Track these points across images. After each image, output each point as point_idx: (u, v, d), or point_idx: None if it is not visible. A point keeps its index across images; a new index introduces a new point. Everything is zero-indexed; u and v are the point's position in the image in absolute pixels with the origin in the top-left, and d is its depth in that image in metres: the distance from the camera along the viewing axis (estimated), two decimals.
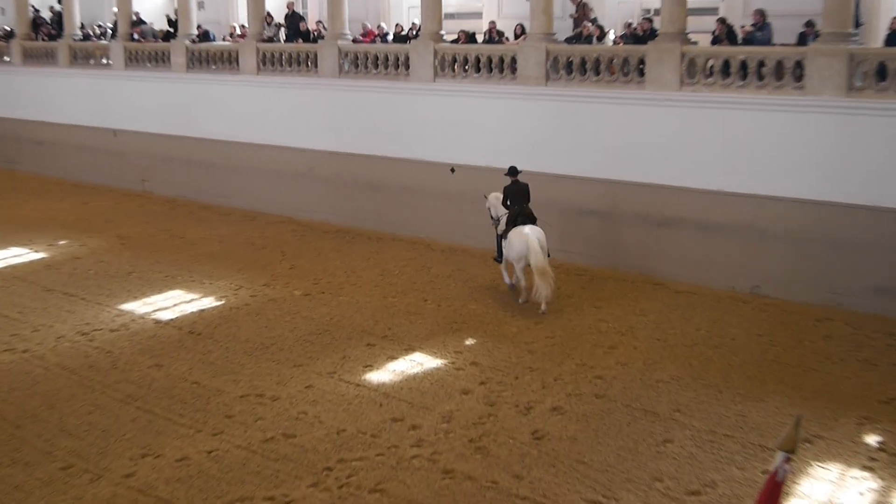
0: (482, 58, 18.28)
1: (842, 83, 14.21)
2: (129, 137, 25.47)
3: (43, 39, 28.15)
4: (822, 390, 11.49)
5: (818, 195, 14.55)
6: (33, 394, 11.61)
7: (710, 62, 15.58)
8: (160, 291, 15.88)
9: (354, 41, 21.14)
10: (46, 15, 29.46)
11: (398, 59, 19.61)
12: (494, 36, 19.32)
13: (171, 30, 25.57)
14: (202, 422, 10.71)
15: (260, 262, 17.70)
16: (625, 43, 17.49)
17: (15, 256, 18.43)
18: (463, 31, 19.69)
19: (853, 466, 9.55)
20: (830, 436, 10.21)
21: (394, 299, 15.28)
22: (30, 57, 28.11)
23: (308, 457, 9.86)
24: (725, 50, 15.60)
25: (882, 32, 16.73)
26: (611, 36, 18.84)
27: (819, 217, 14.61)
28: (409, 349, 12.93)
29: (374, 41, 21.50)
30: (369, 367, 12.29)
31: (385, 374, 12.08)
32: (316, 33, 22.07)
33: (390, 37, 21.70)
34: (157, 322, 14.26)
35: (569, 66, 17.14)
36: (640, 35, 17.10)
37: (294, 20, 22.40)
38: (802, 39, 15.91)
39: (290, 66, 21.63)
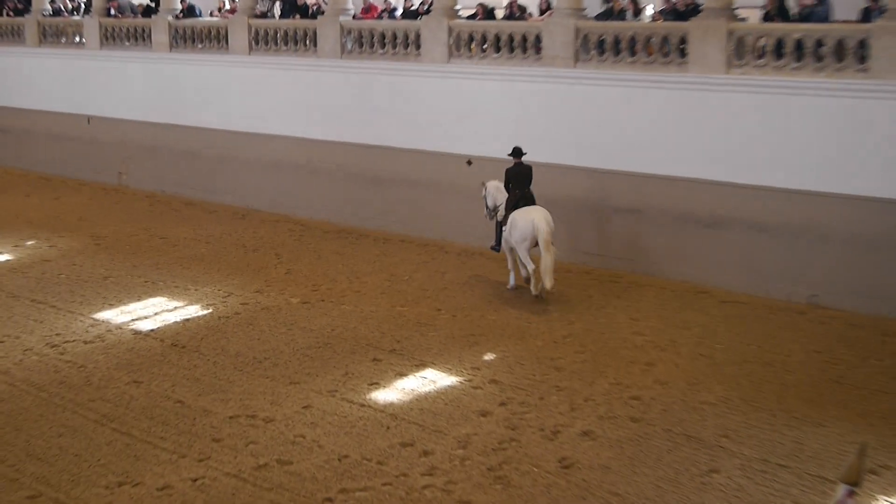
0: (502, 36, 18.29)
1: None
2: (105, 125, 25.60)
3: (8, 14, 28.32)
4: (890, 415, 11.41)
5: (886, 192, 14.45)
6: None
7: (762, 41, 15.53)
8: (139, 298, 15.91)
9: (356, 17, 21.17)
10: None
11: (408, 38, 19.64)
12: (516, 11, 19.33)
13: (152, 4, 25.69)
14: (187, 446, 10.72)
15: (252, 266, 17.73)
16: (664, 19, 17.46)
17: None
18: (481, 6, 19.70)
19: None
20: None
21: (403, 308, 15.28)
22: None
23: (306, 486, 9.85)
24: (779, 27, 15.55)
25: None
26: (648, 11, 18.85)
27: (887, 217, 14.51)
28: (421, 365, 12.92)
29: (380, 17, 21.52)
30: (375, 384, 12.29)
31: (393, 392, 12.07)
32: (315, 8, 22.12)
33: (399, 12, 21.72)
34: (137, 333, 14.29)
35: (600, 46, 17.12)
36: (681, 11, 17.06)
37: None
38: (866, 15, 15.82)
39: (286, 45, 21.69)
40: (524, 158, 15.87)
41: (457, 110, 18.92)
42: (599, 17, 18.08)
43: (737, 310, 15.11)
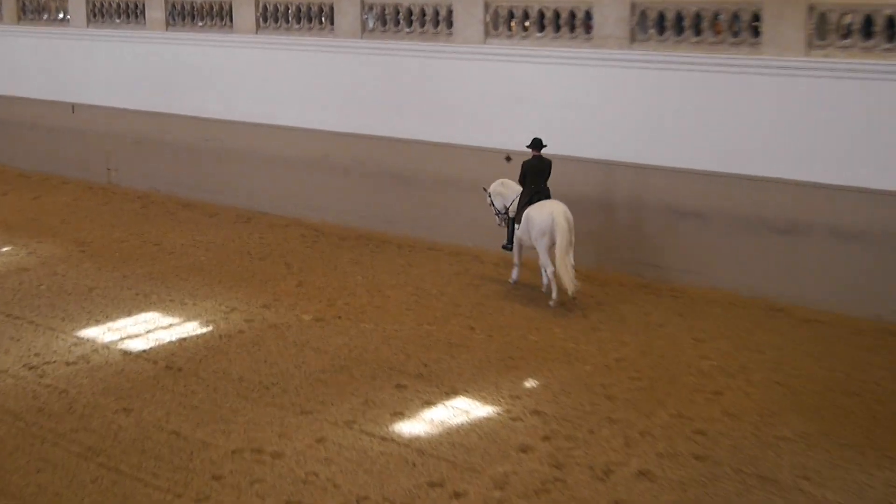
0: (547, 12, 18.26)
1: None
2: (92, 114, 25.79)
3: None
4: None
5: None
6: None
7: (847, 18, 15.40)
8: (130, 314, 16.00)
9: None
10: None
11: (438, 14, 19.66)
12: None
13: None
14: (183, 484, 10.74)
15: (258, 277, 17.79)
16: None
17: None
18: None
19: None
20: None
21: (431, 327, 15.29)
22: None
23: None
24: (867, 2, 15.40)
25: None
26: None
27: None
28: (451, 392, 12.91)
29: None
30: (399, 415, 12.29)
31: (419, 424, 12.07)
32: None
33: None
34: (126, 353, 14.35)
35: (660, 24, 17.05)
36: None
37: None
38: None
39: (299, 22, 21.77)
40: (544, 151, 16.54)
41: (494, 98, 18.90)
42: None
43: (817, 330, 15.02)
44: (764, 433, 11.74)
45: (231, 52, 22.84)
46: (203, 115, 23.40)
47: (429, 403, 12.60)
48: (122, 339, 14.93)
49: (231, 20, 22.85)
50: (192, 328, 15.35)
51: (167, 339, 14.86)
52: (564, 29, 18.08)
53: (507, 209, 17.02)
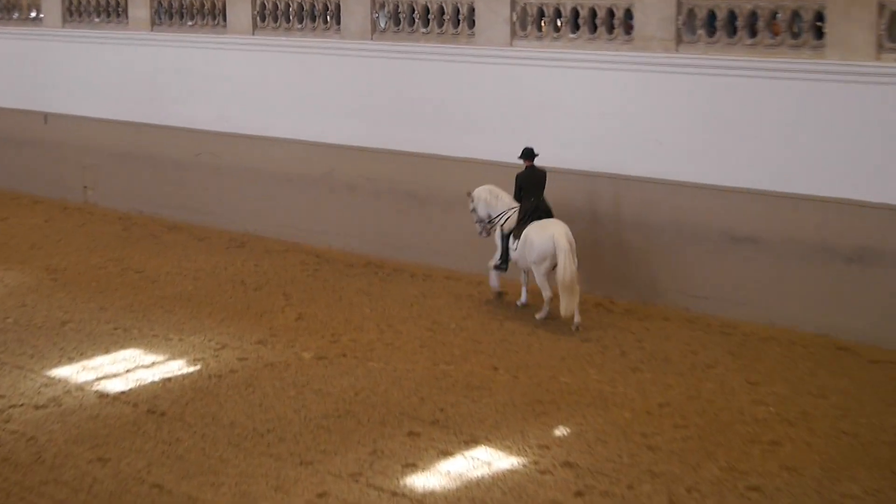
0: (581, 10, 18.31)
1: None
2: (67, 125, 25.95)
3: None
4: None
5: None
6: None
7: None
8: (107, 351, 16.03)
9: None
10: None
11: (458, 13, 19.75)
12: None
13: None
14: None
15: (253, 310, 17.84)
16: None
17: None
18: None
19: None
20: None
21: (449, 367, 15.28)
22: None
23: None
24: None
25: None
26: None
27: None
28: (471, 441, 12.87)
29: None
30: (411, 466, 12.26)
31: (435, 477, 12.04)
32: None
33: None
34: (103, 396, 14.37)
35: (710, 24, 17.06)
36: None
37: None
38: None
39: (301, 22, 21.88)
40: (536, 161, 17.27)
41: (522, 108, 18.93)
42: None
43: (889, 372, 14.95)
44: (828, 490, 11.67)
45: (224, 56, 22.96)
46: (192, 127, 23.50)
47: (445, 454, 12.55)
48: (98, 379, 14.94)
49: (224, 19, 22.99)
50: (178, 367, 15.36)
51: (149, 380, 14.87)
52: (601, 29, 18.11)
53: (493, 220, 17.73)
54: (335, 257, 20.85)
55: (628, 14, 17.82)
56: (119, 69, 24.77)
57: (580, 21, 18.33)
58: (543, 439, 12.91)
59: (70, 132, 25.87)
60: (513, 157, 18.36)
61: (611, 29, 18.03)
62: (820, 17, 16.13)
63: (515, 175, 17.33)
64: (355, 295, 18.55)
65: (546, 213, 17.05)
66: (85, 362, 15.56)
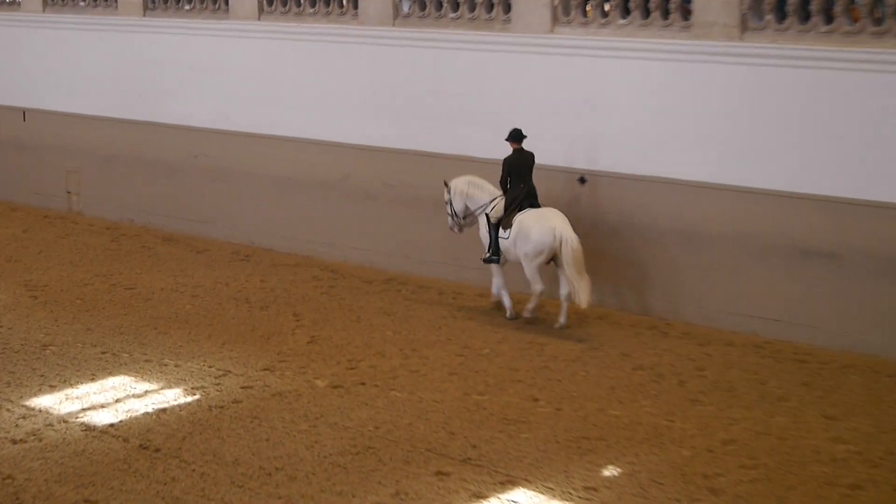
0: None
1: None
2: (49, 123, 26.10)
3: None
4: None
5: None
6: None
7: None
8: (94, 378, 16.08)
9: None
10: None
11: None
12: None
13: None
14: None
15: (259, 332, 17.90)
16: None
17: None
18: None
19: None
20: None
21: (482, 397, 15.29)
22: None
23: None
24: None
25: None
26: None
27: None
28: (508, 482, 12.86)
29: None
30: None
31: None
32: None
33: None
34: (89, 429, 14.39)
35: (780, 8, 17.06)
36: None
37: None
38: None
39: (313, 6, 21.93)
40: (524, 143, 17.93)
41: (563, 103, 18.96)
42: None
43: None
44: None
45: (226, 45, 23.07)
46: (190, 125, 23.63)
47: (478, 496, 12.54)
48: (83, 410, 14.97)
49: (226, 3, 23.07)
50: (174, 397, 15.40)
51: (141, 411, 14.89)
52: (655, 14, 18.10)
53: (474, 213, 18.40)
54: (352, 272, 20.91)
55: None
56: (107, 60, 24.89)
57: (631, 5, 18.33)
58: (590, 481, 12.88)
59: (51, 131, 26.01)
60: (553, 160, 18.51)
61: (666, 14, 18.02)
62: None
63: (503, 160, 17.95)
64: (375, 315, 18.61)
65: (534, 197, 17.82)
66: (69, 391, 15.59)
